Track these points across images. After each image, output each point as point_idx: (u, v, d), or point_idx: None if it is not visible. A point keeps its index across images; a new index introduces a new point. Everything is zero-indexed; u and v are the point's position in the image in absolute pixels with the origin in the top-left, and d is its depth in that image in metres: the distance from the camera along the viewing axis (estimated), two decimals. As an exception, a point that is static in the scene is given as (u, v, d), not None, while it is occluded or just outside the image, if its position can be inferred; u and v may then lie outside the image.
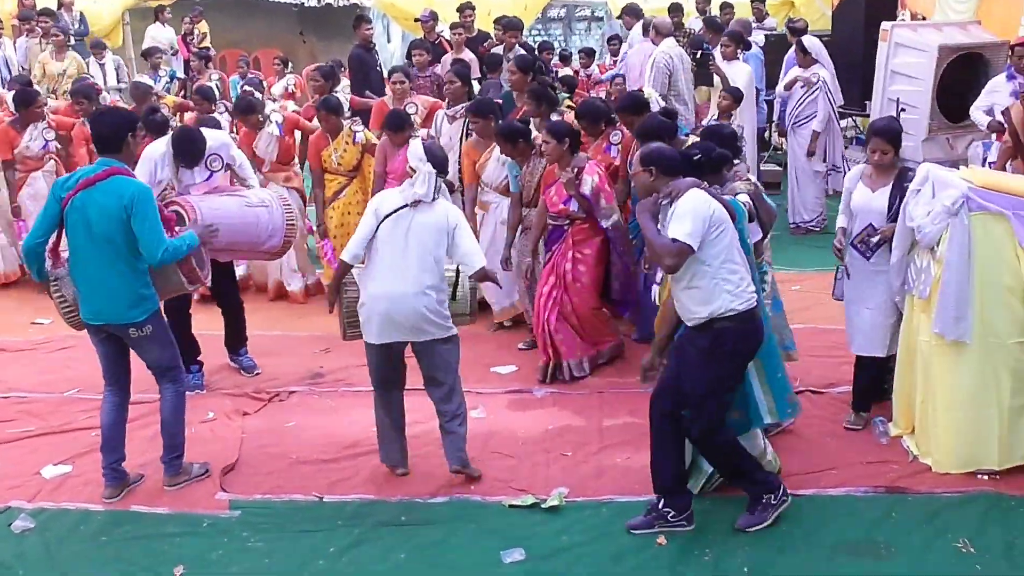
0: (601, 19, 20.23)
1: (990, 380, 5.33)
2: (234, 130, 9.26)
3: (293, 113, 9.90)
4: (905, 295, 5.65)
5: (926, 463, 5.47)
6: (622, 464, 5.69)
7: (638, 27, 13.00)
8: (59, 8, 14.51)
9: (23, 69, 13.34)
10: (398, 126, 8.09)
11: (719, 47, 10.33)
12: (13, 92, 9.83)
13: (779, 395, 5.17)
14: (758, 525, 4.92)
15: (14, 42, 13.95)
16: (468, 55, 11.28)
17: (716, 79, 10.06)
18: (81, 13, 15.10)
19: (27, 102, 9.20)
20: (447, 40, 12.22)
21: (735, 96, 7.21)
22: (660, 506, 4.98)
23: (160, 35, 15.02)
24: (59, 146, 9.33)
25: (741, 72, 10.19)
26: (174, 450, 5.53)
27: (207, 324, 7.10)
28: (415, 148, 5.75)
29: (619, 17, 14.90)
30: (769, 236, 5.91)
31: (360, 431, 6.11)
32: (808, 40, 10.71)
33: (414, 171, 5.61)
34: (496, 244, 7.68)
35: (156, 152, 6.66)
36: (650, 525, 4.96)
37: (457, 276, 5.63)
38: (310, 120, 9.23)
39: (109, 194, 5.09)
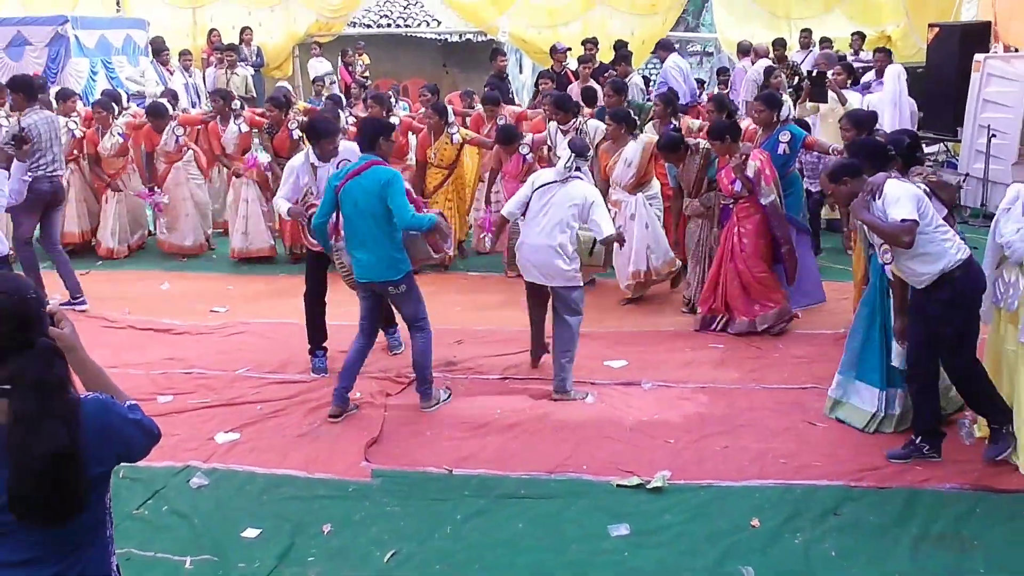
0: (711, 54, 19.92)
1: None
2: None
3: (407, 116, 10.20)
4: (992, 307, 5.37)
5: (1012, 463, 5.17)
6: (720, 452, 5.53)
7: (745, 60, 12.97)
8: (240, 43, 14.96)
9: (209, 93, 13.82)
10: (509, 139, 8.70)
11: (832, 75, 10.08)
12: (148, 104, 10.61)
13: None
14: (1003, 453, 5.10)
15: (203, 71, 14.44)
16: (593, 83, 11.26)
17: (831, 96, 9.88)
18: (258, 47, 15.54)
19: (158, 114, 9.97)
20: (572, 71, 12.22)
21: (856, 122, 7.01)
22: (918, 442, 5.28)
23: (319, 67, 15.36)
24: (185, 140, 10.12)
25: (853, 98, 9.93)
26: (425, 382, 6.22)
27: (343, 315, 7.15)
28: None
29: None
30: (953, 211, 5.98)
31: (487, 414, 6.11)
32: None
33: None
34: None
35: (296, 162, 6.78)
36: (908, 456, 5.27)
37: (594, 241, 6.33)
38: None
39: (371, 179, 5.81)
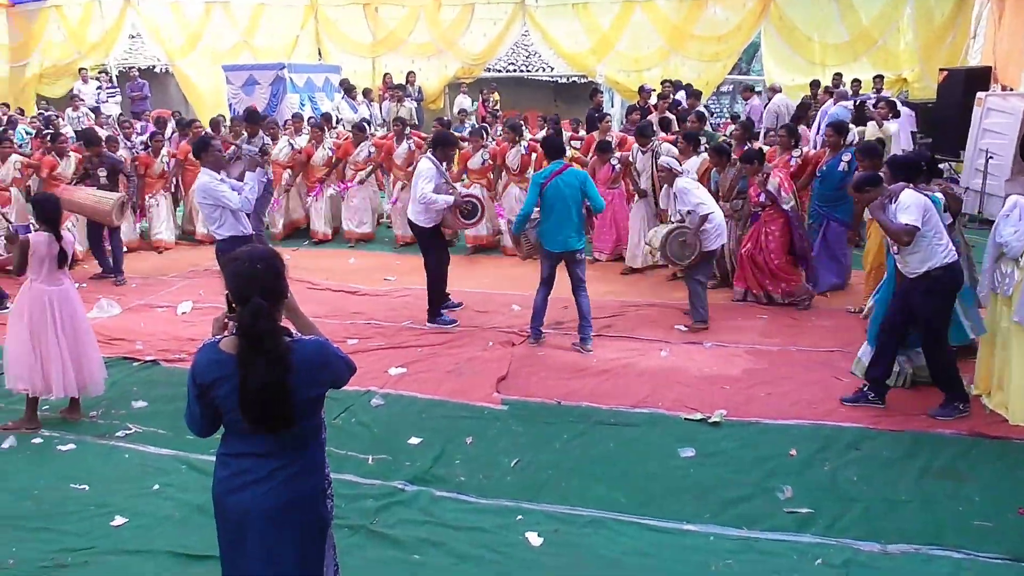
0: (760, 92, 19.18)
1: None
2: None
3: (532, 141, 10.04)
4: (990, 293, 5.06)
5: (1001, 415, 4.88)
6: (765, 397, 5.37)
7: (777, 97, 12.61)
8: (406, 83, 15.11)
9: (384, 121, 14.03)
10: (603, 150, 8.60)
11: (875, 108, 9.68)
12: (353, 125, 10.67)
13: (975, 319, 5.22)
14: (946, 418, 4.88)
15: (380, 104, 14.66)
16: (668, 114, 10.98)
17: (871, 123, 9.60)
18: (420, 86, 15.66)
19: (360, 130, 10.08)
20: (653, 105, 11.94)
21: (867, 153, 6.67)
22: (866, 390, 5.14)
23: (463, 102, 15.38)
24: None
25: (893, 126, 9.58)
26: (589, 327, 6.29)
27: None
28: None
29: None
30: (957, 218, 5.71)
31: (586, 360, 6.07)
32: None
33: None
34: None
35: (428, 165, 6.77)
36: (857, 400, 5.13)
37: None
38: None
39: (571, 176, 6.08)
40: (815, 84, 12.81)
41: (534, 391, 5.55)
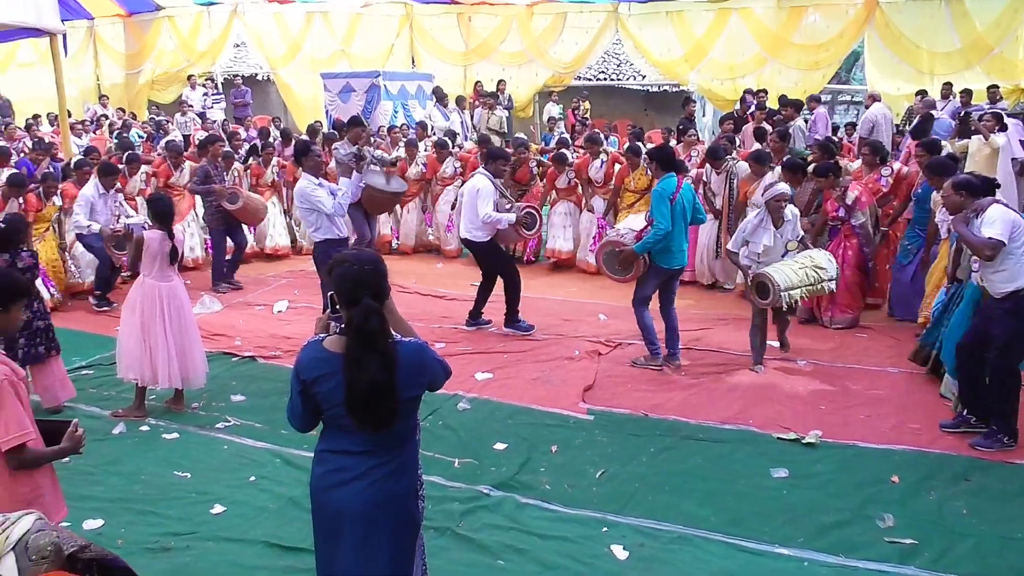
0: (860, 103, 18.50)
1: None
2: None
3: (615, 152, 9.90)
4: None
5: None
6: (863, 419, 5.16)
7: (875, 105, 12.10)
8: (497, 91, 15.27)
9: (475, 128, 14.22)
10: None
11: (982, 122, 9.19)
12: (436, 141, 10.63)
13: None
14: (987, 449, 4.65)
15: (471, 112, 14.86)
16: (764, 125, 10.70)
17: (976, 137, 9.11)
18: (510, 95, 15.79)
19: (443, 146, 10.16)
20: (750, 114, 11.69)
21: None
22: (965, 414, 4.92)
23: (552, 110, 15.43)
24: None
25: (1001, 138, 9.05)
26: (678, 341, 6.15)
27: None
28: None
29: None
30: None
31: (674, 374, 5.97)
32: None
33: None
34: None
35: (486, 183, 6.77)
36: (958, 425, 4.91)
37: None
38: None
39: (687, 190, 6.00)
40: (922, 93, 12.24)
41: (620, 402, 5.50)
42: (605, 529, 3.94)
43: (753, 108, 11.69)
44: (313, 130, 11.49)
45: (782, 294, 5.61)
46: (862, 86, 16.67)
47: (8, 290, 2.69)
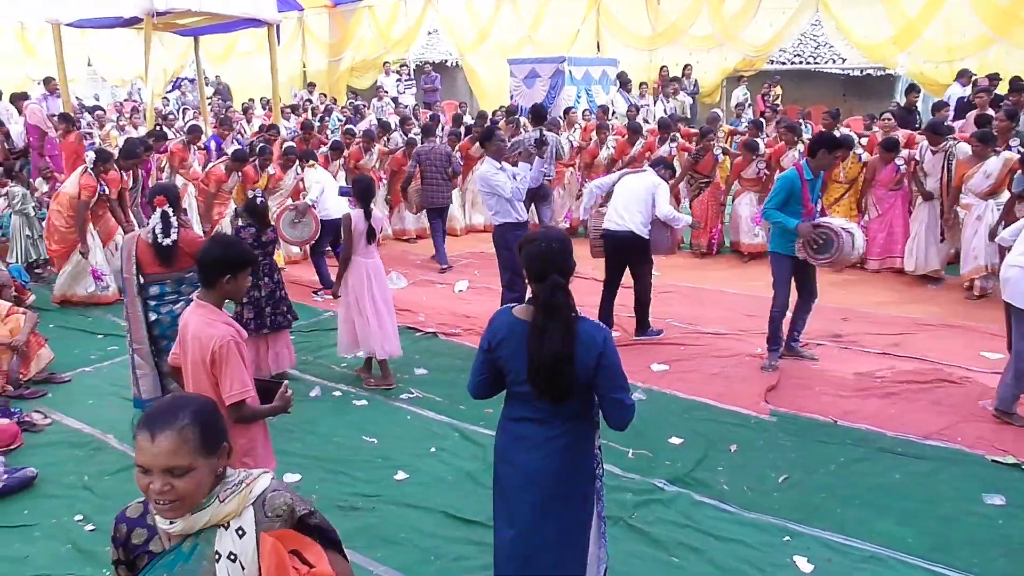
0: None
1: None
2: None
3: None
4: None
5: None
6: (1100, 449, 4.53)
7: None
8: (682, 76, 14.81)
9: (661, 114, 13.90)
10: (888, 148, 7.97)
11: None
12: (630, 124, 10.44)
13: None
14: None
15: (654, 98, 14.50)
16: (989, 111, 9.62)
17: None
18: (696, 80, 15.28)
19: (636, 131, 9.98)
20: (971, 100, 10.55)
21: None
22: None
23: (740, 95, 14.76)
24: None
25: None
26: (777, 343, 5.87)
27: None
28: None
29: None
30: None
31: (866, 380, 5.55)
32: None
33: None
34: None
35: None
36: None
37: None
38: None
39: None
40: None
41: (807, 405, 5.20)
42: (787, 538, 3.74)
43: (969, 94, 10.52)
44: (457, 117, 11.76)
45: None
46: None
47: (238, 259, 2.94)
